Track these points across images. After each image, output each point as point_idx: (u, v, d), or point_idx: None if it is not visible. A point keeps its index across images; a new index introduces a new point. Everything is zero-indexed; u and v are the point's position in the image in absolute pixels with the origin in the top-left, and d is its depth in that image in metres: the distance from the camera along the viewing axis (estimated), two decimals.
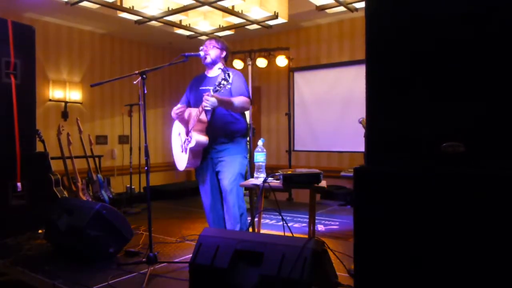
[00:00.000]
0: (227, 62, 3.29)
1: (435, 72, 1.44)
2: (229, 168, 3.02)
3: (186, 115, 3.09)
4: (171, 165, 7.40)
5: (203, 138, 2.99)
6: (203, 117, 2.99)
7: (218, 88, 2.74)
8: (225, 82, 2.71)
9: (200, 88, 3.11)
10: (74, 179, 4.73)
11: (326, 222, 4.24)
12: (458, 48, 1.39)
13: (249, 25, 5.02)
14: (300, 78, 6.07)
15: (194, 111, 3.00)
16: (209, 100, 2.77)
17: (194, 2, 4.37)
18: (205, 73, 3.21)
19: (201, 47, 3.10)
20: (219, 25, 5.13)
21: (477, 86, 1.36)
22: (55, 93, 5.84)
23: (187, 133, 3.04)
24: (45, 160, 4.18)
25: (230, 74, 2.76)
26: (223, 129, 3.04)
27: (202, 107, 2.85)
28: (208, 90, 2.91)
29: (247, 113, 3.95)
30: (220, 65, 3.14)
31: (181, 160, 3.10)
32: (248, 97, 3.05)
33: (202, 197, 3.18)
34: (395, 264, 1.45)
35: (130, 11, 4.48)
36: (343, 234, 3.70)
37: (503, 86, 1.32)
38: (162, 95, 7.41)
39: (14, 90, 3.58)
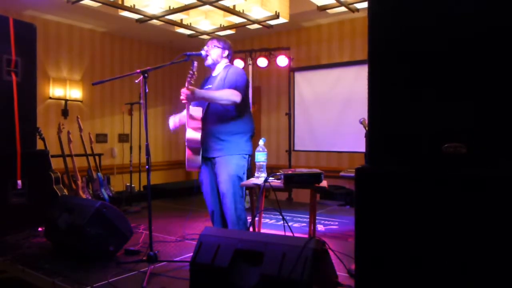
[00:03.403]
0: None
1: (436, 72, 1.44)
2: (224, 170, 2.93)
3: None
4: (171, 164, 7.44)
5: (194, 135, 2.90)
6: (195, 113, 2.92)
7: (189, 79, 2.77)
8: (191, 72, 2.76)
9: (205, 87, 3.10)
10: (74, 177, 4.73)
11: (326, 222, 4.24)
12: (459, 48, 1.40)
13: (250, 24, 5.02)
14: (301, 78, 6.07)
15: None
16: (183, 93, 2.76)
17: (195, 1, 4.37)
18: (211, 73, 3.19)
19: (204, 48, 3.09)
20: (220, 25, 5.13)
21: (479, 87, 1.37)
22: (56, 91, 5.84)
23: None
24: (45, 158, 4.18)
25: (195, 63, 2.81)
26: (219, 126, 2.95)
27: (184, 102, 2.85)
28: (210, 89, 2.91)
29: None
30: (223, 64, 3.12)
31: (186, 159, 3.09)
32: (235, 88, 2.88)
33: (204, 196, 3.16)
34: (396, 264, 1.46)
35: (131, 9, 4.48)
36: (342, 234, 3.71)
37: (504, 86, 1.32)
38: (163, 94, 7.41)
39: (15, 88, 3.58)
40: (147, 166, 2.73)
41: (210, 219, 3.19)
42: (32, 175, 3.68)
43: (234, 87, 2.88)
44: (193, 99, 2.82)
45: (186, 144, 2.93)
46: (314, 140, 5.91)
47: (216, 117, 2.96)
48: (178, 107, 3.29)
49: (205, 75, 3.26)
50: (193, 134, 2.91)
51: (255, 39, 6.74)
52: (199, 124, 2.93)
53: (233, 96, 2.84)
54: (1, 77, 3.53)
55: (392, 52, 1.53)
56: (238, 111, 2.98)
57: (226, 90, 2.88)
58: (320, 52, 6.22)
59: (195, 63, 2.81)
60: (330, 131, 5.71)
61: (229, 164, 2.94)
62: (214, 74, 3.13)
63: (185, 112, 2.99)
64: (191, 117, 2.90)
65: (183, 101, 2.81)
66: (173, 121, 3.15)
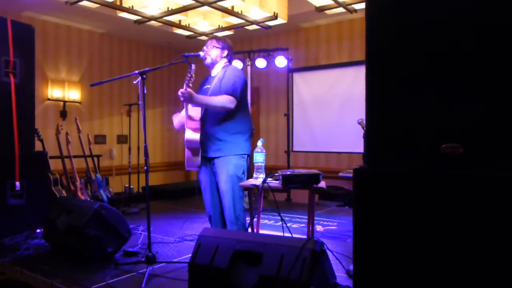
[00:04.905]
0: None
1: (434, 73, 1.44)
2: (223, 170, 2.93)
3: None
4: (170, 165, 7.44)
5: (194, 136, 2.92)
6: (193, 114, 2.93)
7: (187, 82, 2.76)
8: (189, 75, 2.75)
9: (203, 87, 3.10)
10: (73, 178, 4.72)
11: (325, 222, 4.24)
12: (458, 48, 1.40)
13: (249, 25, 5.03)
14: (299, 79, 6.08)
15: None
16: (184, 94, 2.75)
17: (193, 2, 4.37)
18: (210, 73, 3.19)
19: (203, 48, 3.08)
20: (219, 25, 5.13)
21: (477, 87, 1.37)
22: (54, 92, 5.84)
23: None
24: (43, 160, 4.17)
25: (193, 66, 2.79)
26: (217, 127, 2.94)
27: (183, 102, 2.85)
28: (208, 89, 2.91)
29: None
30: (221, 64, 3.10)
31: (186, 159, 3.09)
32: (232, 94, 2.88)
33: (203, 196, 3.16)
34: (395, 265, 1.46)
35: (130, 10, 4.48)
36: (341, 234, 3.71)
37: (503, 86, 1.32)
38: (161, 95, 7.41)
39: (13, 89, 3.58)
40: (145, 167, 2.73)
41: (208, 221, 3.19)
42: (31, 177, 3.67)
43: (231, 92, 2.88)
44: (190, 101, 2.82)
45: (185, 144, 2.94)
46: (313, 141, 5.91)
47: (214, 117, 2.96)
48: (177, 108, 3.29)
49: (203, 76, 3.25)
50: (192, 135, 2.92)
51: (254, 40, 6.74)
52: (198, 125, 2.95)
53: (228, 103, 2.86)
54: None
55: (390, 53, 1.53)
56: (236, 111, 2.97)
57: (222, 97, 2.87)
58: (318, 53, 6.22)
59: (193, 66, 2.80)
60: (328, 131, 5.71)
61: (228, 164, 2.93)
62: (212, 74, 3.13)
63: (183, 112, 2.99)
64: (190, 117, 2.92)
65: (182, 99, 2.82)
66: (178, 120, 3.13)
